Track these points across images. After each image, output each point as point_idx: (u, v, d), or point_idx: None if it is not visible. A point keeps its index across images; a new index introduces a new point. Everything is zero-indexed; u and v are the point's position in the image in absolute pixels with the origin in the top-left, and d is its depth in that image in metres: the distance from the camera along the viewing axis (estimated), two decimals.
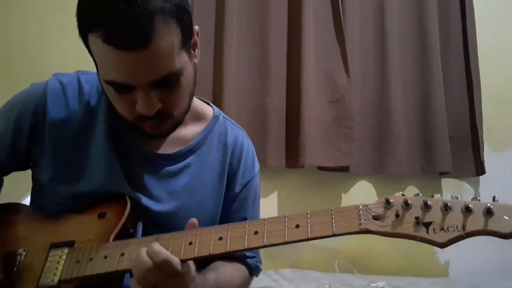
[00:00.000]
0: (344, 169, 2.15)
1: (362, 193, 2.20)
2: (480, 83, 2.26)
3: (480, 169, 2.22)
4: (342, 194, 2.22)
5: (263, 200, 2.09)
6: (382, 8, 2.23)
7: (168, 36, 0.78)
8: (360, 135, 2.17)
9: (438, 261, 2.20)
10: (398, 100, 2.18)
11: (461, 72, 2.29)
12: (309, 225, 0.75)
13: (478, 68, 2.27)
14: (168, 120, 0.88)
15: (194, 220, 0.82)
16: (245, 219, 1.03)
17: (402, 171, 2.15)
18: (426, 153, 2.19)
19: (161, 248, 0.76)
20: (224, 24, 2.07)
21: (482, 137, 2.23)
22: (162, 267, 0.74)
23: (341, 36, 2.17)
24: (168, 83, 0.82)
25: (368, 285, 1.76)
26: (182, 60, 0.83)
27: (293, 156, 2.09)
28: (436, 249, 2.14)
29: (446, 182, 2.28)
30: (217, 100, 2.05)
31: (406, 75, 2.23)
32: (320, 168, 2.16)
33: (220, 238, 0.78)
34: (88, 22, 0.77)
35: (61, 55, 2.01)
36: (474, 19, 2.29)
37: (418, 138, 2.21)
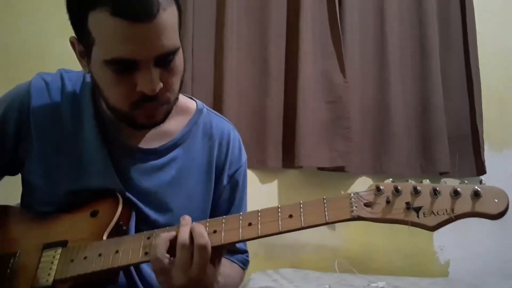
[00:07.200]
0: (343, 169, 2.14)
1: None
2: (480, 83, 2.26)
3: (480, 169, 2.21)
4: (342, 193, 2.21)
5: (262, 201, 2.11)
6: (381, 8, 2.23)
7: (171, 10, 0.80)
8: (359, 135, 2.17)
9: (438, 261, 2.18)
10: (397, 100, 2.18)
11: (461, 72, 2.28)
12: (302, 214, 0.76)
13: (478, 68, 2.27)
14: (164, 104, 0.87)
15: (187, 217, 0.81)
16: (230, 209, 1.04)
17: (401, 171, 2.14)
18: (425, 153, 2.19)
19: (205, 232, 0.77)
20: (224, 25, 2.08)
21: (483, 137, 2.22)
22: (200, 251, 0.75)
23: (337, 37, 2.17)
24: (169, 60, 0.83)
25: (368, 285, 1.75)
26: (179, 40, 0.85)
27: (289, 156, 2.09)
28: (436, 249, 2.14)
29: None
30: (217, 100, 2.06)
31: (405, 75, 2.23)
32: (320, 168, 2.16)
33: (215, 231, 0.79)
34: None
35: (61, 55, 1.99)
36: (474, 19, 2.29)
37: (417, 138, 2.21)
